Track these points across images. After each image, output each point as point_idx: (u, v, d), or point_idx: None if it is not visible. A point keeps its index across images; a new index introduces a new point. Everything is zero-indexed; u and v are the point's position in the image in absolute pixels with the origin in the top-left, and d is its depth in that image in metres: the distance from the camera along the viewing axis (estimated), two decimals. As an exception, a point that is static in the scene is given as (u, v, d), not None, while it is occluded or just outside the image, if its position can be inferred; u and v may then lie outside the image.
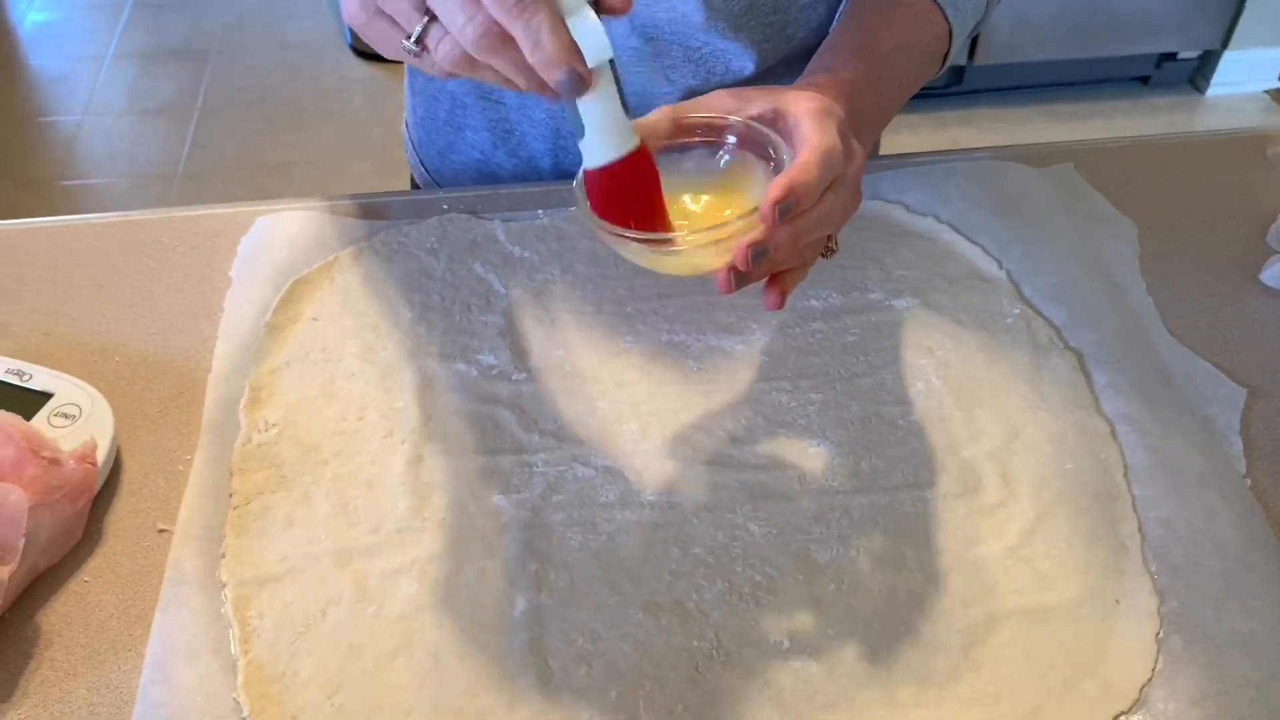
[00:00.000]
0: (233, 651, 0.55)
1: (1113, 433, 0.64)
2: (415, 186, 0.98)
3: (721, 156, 0.59)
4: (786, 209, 0.52)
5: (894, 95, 0.69)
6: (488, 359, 0.69)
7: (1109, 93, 2.57)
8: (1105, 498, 0.61)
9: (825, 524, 0.60)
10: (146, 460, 0.64)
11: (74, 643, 0.56)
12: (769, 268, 0.56)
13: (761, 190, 0.54)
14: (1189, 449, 0.63)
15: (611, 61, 0.50)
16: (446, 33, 0.48)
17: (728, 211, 0.58)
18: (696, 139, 0.59)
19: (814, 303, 0.73)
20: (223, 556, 0.59)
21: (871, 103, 0.67)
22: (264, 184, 2.37)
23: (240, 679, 0.54)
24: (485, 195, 0.80)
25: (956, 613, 0.57)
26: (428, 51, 0.50)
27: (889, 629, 0.56)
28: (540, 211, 0.79)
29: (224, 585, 0.58)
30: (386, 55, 0.54)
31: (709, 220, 0.56)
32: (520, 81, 0.49)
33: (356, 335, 0.70)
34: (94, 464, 0.60)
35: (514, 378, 0.68)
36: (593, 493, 0.62)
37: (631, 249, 0.56)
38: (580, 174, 0.55)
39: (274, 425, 0.65)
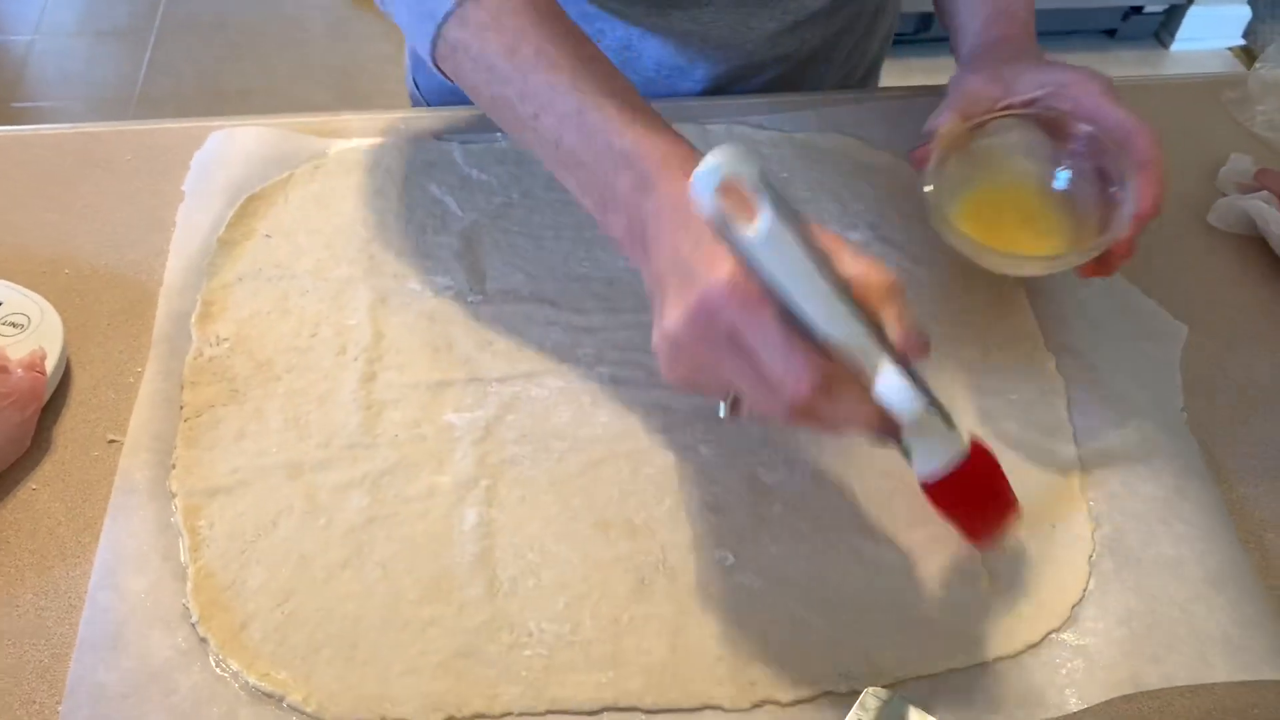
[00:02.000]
0: (182, 559, 0.56)
1: (1056, 365, 0.66)
2: None
3: (1061, 163, 0.65)
4: (1162, 202, 0.60)
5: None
6: (443, 280, 0.69)
7: (1075, 45, 2.57)
8: (1047, 428, 0.63)
9: (773, 447, 0.61)
10: (96, 372, 0.64)
11: (21, 549, 0.56)
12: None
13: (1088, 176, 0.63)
14: (1130, 382, 0.64)
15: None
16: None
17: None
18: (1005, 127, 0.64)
19: (770, 233, 0.73)
20: (173, 467, 0.59)
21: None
22: (222, 111, 2.32)
23: (190, 586, 0.55)
24: (443, 116, 0.80)
25: (899, 535, 0.58)
26: (742, 414, 0.51)
27: (833, 549, 0.57)
28: (499, 134, 0.78)
29: (174, 495, 0.58)
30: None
31: (1057, 226, 0.64)
32: (833, 434, 0.53)
33: (310, 253, 0.70)
34: (42, 373, 0.60)
35: (469, 299, 0.68)
36: (546, 413, 0.63)
37: (1017, 266, 0.63)
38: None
39: (225, 340, 0.65)
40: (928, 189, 0.62)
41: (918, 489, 0.59)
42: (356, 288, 0.68)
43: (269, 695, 0.51)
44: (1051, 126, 0.64)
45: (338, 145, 0.77)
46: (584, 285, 0.69)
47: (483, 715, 0.51)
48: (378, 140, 0.77)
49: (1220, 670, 0.52)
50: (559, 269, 0.70)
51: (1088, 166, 0.63)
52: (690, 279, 0.47)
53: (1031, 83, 0.64)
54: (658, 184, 0.52)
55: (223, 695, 0.51)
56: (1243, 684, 0.53)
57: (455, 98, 0.88)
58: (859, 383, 0.46)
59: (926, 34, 2.43)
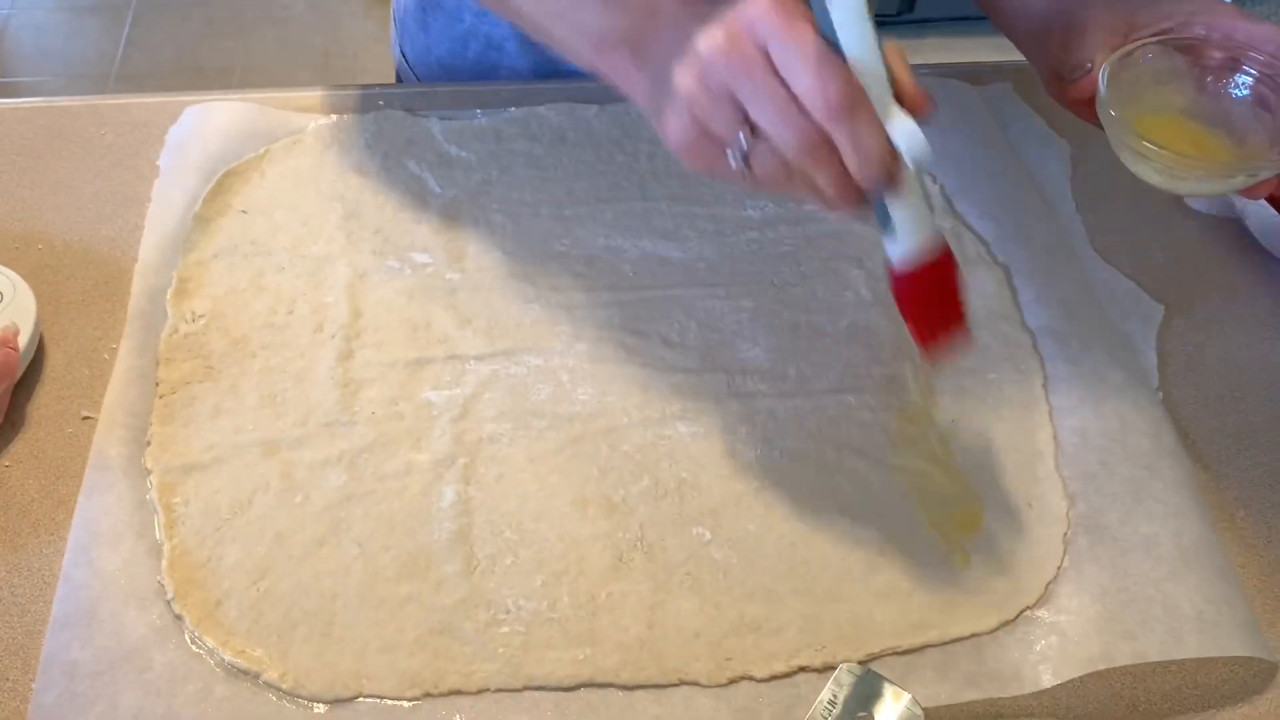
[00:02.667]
0: (157, 537, 0.55)
1: (1034, 344, 0.66)
2: None
3: (1218, 86, 0.64)
4: None
5: None
6: (421, 257, 0.69)
7: (1058, 27, 2.57)
8: (1024, 407, 0.63)
9: (751, 425, 0.61)
10: (70, 348, 0.63)
11: (-6, 525, 0.56)
12: None
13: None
14: (1106, 362, 0.65)
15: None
16: (769, 147, 0.49)
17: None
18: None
19: (750, 212, 0.73)
20: (148, 444, 0.59)
21: None
22: (203, 89, 2.30)
23: (165, 563, 0.54)
24: (422, 93, 0.79)
25: (875, 512, 0.58)
26: (751, 169, 0.50)
27: (808, 526, 0.57)
28: (478, 111, 0.78)
29: (149, 472, 0.58)
30: (709, 178, 0.56)
31: (1225, 149, 0.63)
32: (830, 191, 0.49)
33: (287, 229, 0.70)
34: (15, 348, 0.59)
35: (448, 276, 0.68)
36: (524, 391, 0.62)
37: (1220, 180, 0.61)
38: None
39: (201, 316, 0.65)
40: (1112, 113, 0.62)
41: (895, 468, 0.60)
42: (334, 265, 0.68)
43: (245, 672, 0.51)
44: (1193, 54, 0.64)
45: (315, 121, 0.76)
46: (563, 263, 0.69)
47: (459, 692, 0.51)
48: (356, 116, 0.77)
49: (1191, 646, 0.53)
50: (538, 247, 0.70)
51: (1245, 87, 0.63)
52: (719, 22, 0.48)
53: (1155, 14, 0.64)
54: (670, 3, 0.53)
55: (198, 672, 0.51)
56: (1213, 660, 0.53)
57: (441, 69, 0.88)
58: (877, 118, 0.47)
59: (910, 15, 2.43)
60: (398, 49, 0.94)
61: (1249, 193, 0.62)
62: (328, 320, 0.65)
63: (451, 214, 0.71)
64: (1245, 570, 0.57)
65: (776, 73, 0.47)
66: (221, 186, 0.71)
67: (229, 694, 0.50)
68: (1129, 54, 0.64)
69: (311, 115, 0.77)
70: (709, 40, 0.48)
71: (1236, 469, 0.62)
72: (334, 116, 0.77)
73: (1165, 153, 0.60)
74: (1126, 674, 0.53)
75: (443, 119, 0.77)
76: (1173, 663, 0.53)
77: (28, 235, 0.69)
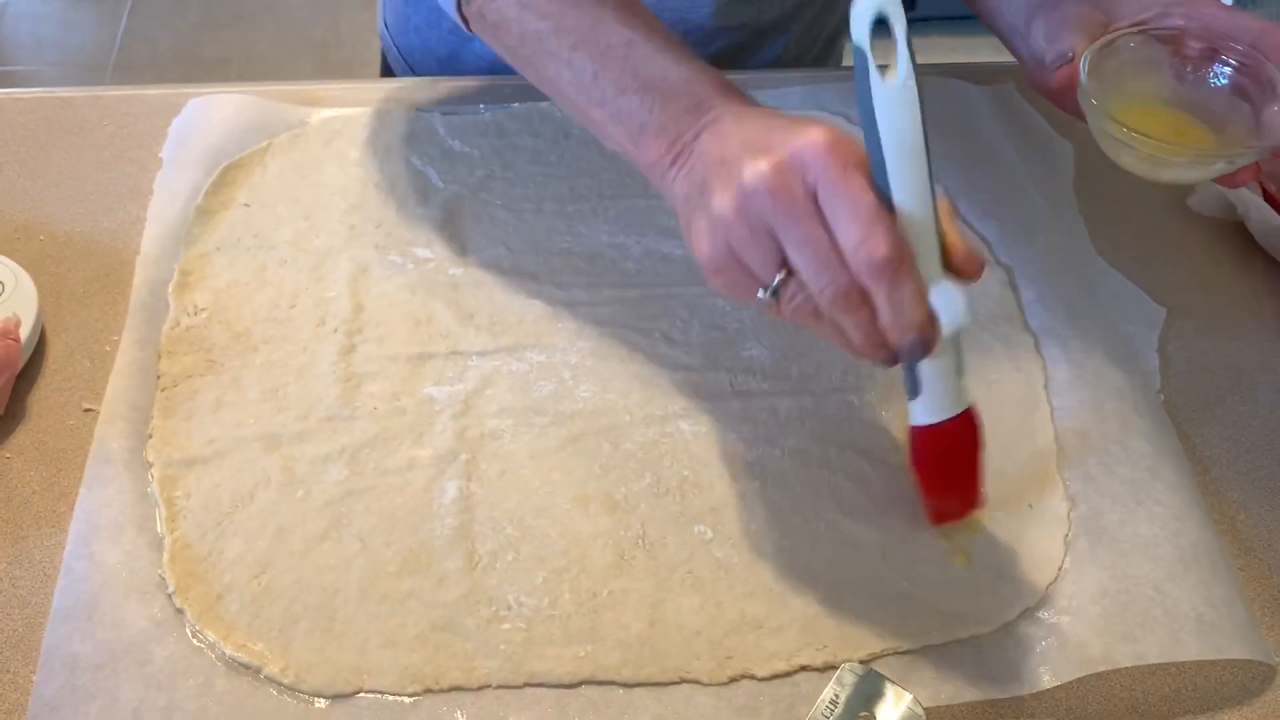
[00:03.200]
0: (159, 530, 0.55)
1: (1036, 346, 0.66)
2: None
3: (1196, 75, 0.65)
4: None
5: None
6: (424, 252, 0.69)
7: (1058, 27, 2.57)
8: (1025, 408, 0.63)
9: (753, 424, 0.61)
10: (72, 340, 0.63)
11: (-5, 517, 0.56)
12: None
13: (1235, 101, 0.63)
14: (1108, 364, 0.65)
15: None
16: (801, 288, 0.48)
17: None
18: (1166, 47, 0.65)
19: (753, 210, 0.73)
20: (149, 437, 0.59)
21: None
22: (201, 80, 2.29)
23: (166, 556, 0.54)
24: (425, 86, 0.79)
25: (877, 512, 0.58)
26: (778, 305, 0.49)
27: (810, 526, 0.57)
28: (482, 106, 0.78)
29: (150, 465, 0.58)
30: (731, 299, 0.54)
31: (1204, 137, 0.64)
32: (859, 343, 0.48)
33: (289, 223, 0.69)
34: (16, 340, 0.59)
35: (450, 272, 0.68)
36: (526, 387, 0.62)
37: (1200, 167, 0.62)
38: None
39: (203, 310, 0.65)
40: (1093, 102, 0.62)
41: (897, 469, 0.60)
42: (336, 259, 0.68)
43: (246, 666, 0.51)
44: (1172, 44, 0.65)
45: (318, 114, 0.76)
46: (565, 260, 0.69)
47: (460, 688, 0.51)
48: (358, 110, 0.77)
49: (1191, 649, 0.53)
50: (541, 243, 0.70)
51: (1223, 76, 0.64)
52: (768, 149, 0.47)
53: (1135, 5, 0.65)
54: (717, 104, 0.53)
55: (199, 666, 0.51)
56: (1213, 663, 0.53)
57: (420, 39, 0.87)
58: (922, 282, 0.46)
59: (911, 13, 2.43)
60: (381, 19, 0.94)
61: (1228, 180, 0.63)
62: (330, 314, 0.65)
63: (454, 209, 0.71)
64: (1245, 573, 0.57)
65: (822, 218, 0.45)
66: (224, 179, 0.71)
67: (230, 688, 0.50)
68: (1109, 44, 0.65)
69: (314, 108, 0.77)
70: (755, 170, 0.46)
71: (1237, 472, 0.62)
72: (337, 110, 0.76)
73: (1145, 140, 0.61)
74: (1126, 676, 0.53)
75: (445, 113, 0.77)
76: (1172, 665, 0.53)
77: (29, 226, 0.68)
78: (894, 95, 0.46)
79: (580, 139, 0.76)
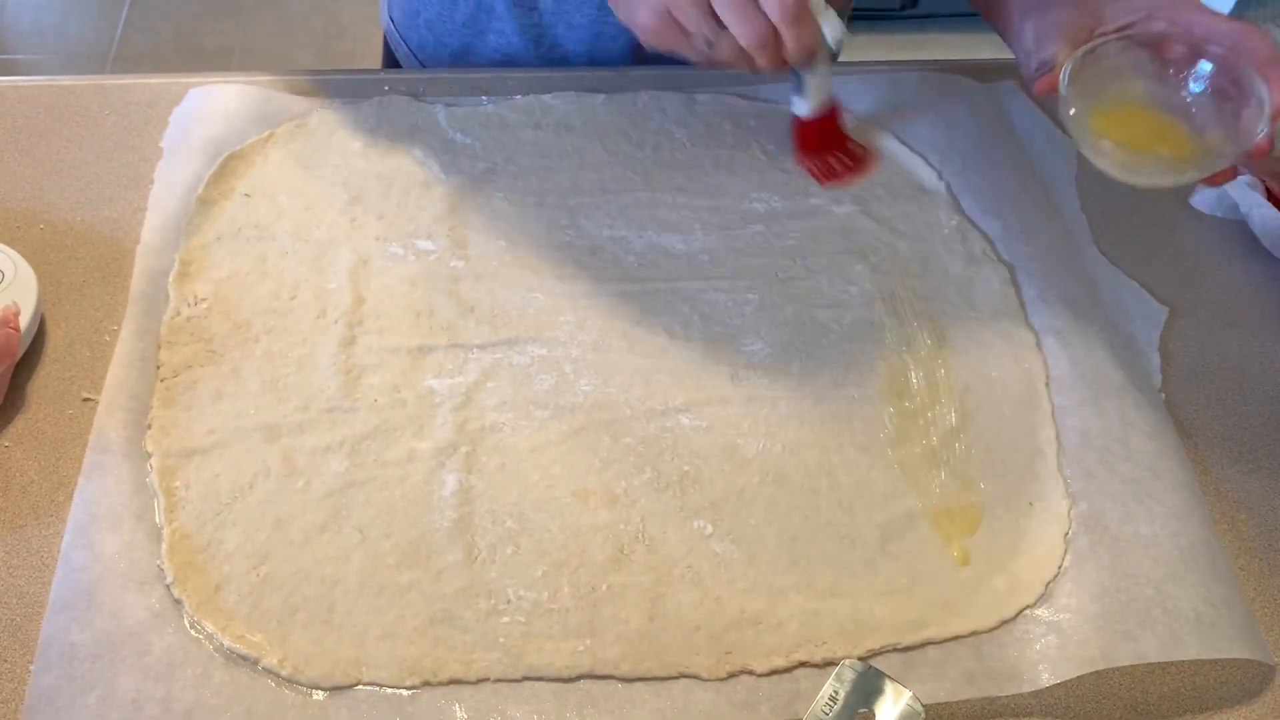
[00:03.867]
0: (157, 520, 0.55)
1: (1038, 344, 0.66)
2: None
3: (1178, 79, 0.66)
4: None
5: None
6: (425, 244, 0.68)
7: (1060, 25, 2.57)
8: (1027, 405, 0.63)
9: (754, 419, 0.61)
10: (71, 329, 0.63)
11: (-7, 506, 0.56)
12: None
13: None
14: (1109, 362, 0.65)
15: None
16: (728, 37, 0.60)
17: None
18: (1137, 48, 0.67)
19: (756, 205, 0.73)
20: (149, 427, 0.59)
21: None
22: (202, 70, 2.29)
23: (164, 547, 0.54)
24: (427, 79, 0.79)
25: (876, 508, 0.58)
26: (710, 54, 0.62)
27: (810, 521, 0.57)
28: (484, 98, 0.77)
29: (150, 456, 0.57)
30: (666, 52, 0.64)
31: (1184, 140, 0.65)
32: (765, 67, 0.61)
33: (290, 213, 0.69)
34: (16, 329, 0.59)
35: (452, 264, 0.68)
36: (527, 380, 0.62)
37: (1174, 173, 0.63)
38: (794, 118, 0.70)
39: (203, 300, 0.64)
40: (1072, 111, 0.64)
41: (897, 464, 0.60)
42: (337, 250, 0.67)
43: (244, 658, 0.51)
44: (1154, 48, 0.66)
45: (320, 105, 0.76)
46: (566, 253, 0.69)
47: (459, 681, 0.51)
48: (361, 101, 0.76)
49: (1191, 648, 0.53)
50: (542, 236, 0.70)
51: (1202, 80, 0.65)
52: None
53: (1119, 9, 0.67)
54: None
55: (197, 657, 0.51)
56: (1212, 662, 0.53)
57: (429, 31, 0.87)
58: (815, 20, 0.61)
59: (914, 11, 2.42)
60: (386, 13, 0.93)
61: (1207, 182, 0.65)
62: (330, 306, 0.65)
63: (456, 201, 0.71)
64: (1245, 572, 0.57)
65: None
66: (225, 169, 0.71)
67: (228, 679, 0.50)
68: (1092, 50, 0.65)
69: (316, 99, 0.76)
70: None
71: (1238, 471, 0.62)
72: (339, 101, 0.76)
73: (1118, 148, 0.62)
74: (1125, 674, 0.53)
75: (448, 105, 0.77)
76: (1171, 664, 0.53)
77: (30, 215, 0.68)
78: None
79: (583, 132, 0.76)
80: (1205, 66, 0.65)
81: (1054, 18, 0.69)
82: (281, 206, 0.70)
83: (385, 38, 0.94)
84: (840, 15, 0.63)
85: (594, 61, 0.85)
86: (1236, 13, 2.48)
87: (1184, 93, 0.66)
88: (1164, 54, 0.66)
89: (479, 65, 0.86)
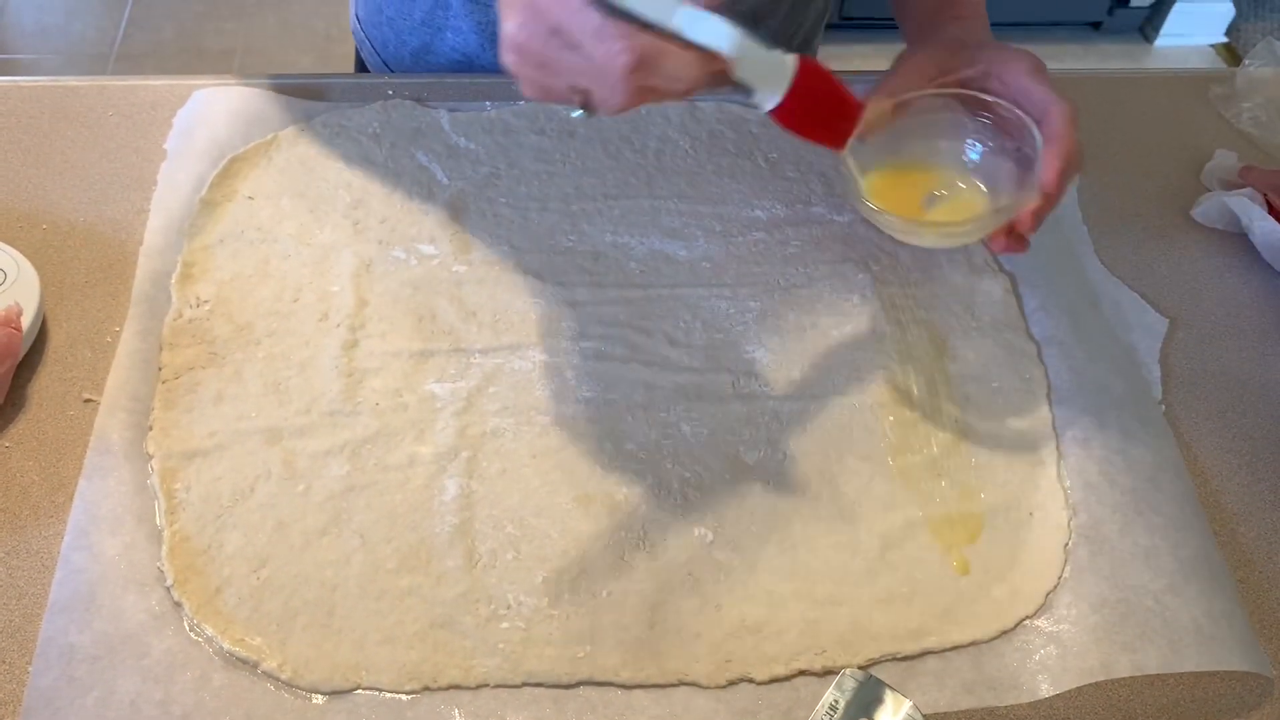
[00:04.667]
0: (158, 523, 0.55)
1: (1039, 354, 0.66)
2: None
3: (978, 142, 0.65)
4: (1068, 178, 0.59)
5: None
6: (428, 248, 0.68)
7: (1060, 36, 2.58)
8: (1027, 415, 0.63)
9: (755, 427, 0.61)
10: (73, 330, 0.63)
11: (-6, 507, 0.56)
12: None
13: (997, 152, 0.63)
14: (1110, 373, 0.65)
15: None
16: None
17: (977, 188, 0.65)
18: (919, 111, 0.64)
19: (758, 213, 0.73)
20: (150, 429, 0.59)
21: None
22: (203, 71, 2.29)
23: (165, 549, 0.54)
24: (430, 84, 0.79)
25: (877, 517, 0.58)
26: (596, 110, 0.52)
27: (810, 529, 0.57)
28: (488, 103, 0.77)
29: (151, 457, 0.57)
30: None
31: (969, 203, 0.64)
32: (677, 99, 0.52)
33: (293, 216, 0.69)
34: (18, 329, 0.59)
35: (454, 269, 0.68)
36: (529, 386, 0.62)
37: (913, 232, 0.62)
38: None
39: (206, 302, 0.64)
40: (847, 162, 0.62)
41: (898, 473, 0.60)
42: (340, 253, 0.67)
43: (243, 661, 0.51)
44: (979, 107, 0.64)
45: (324, 109, 0.76)
46: (569, 259, 0.69)
47: (459, 686, 0.51)
48: (364, 105, 0.76)
49: (1190, 660, 0.53)
50: (544, 241, 0.70)
51: (1009, 148, 0.63)
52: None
53: (962, 60, 0.65)
54: None
55: (196, 660, 0.51)
56: (1211, 674, 0.53)
57: (393, 32, 0.86)
58: (676, 42, 0.48)
59: (914, 19, 2.43)
60: (353, 12, 0.93)
61: (988, 244, 0.64)
62: (333, 309, 0.65)
63: (458, 206, 0.71)
64: (1244, 584, 0.57)
65: (577, 45, 0.48)
66: (228, 172, 0.71)
67: (227, 682, 0.50)
68: (907, 103, 0.64)
69: (320, 103, 0.76)
70: (514, 21, 0.50)
71: (1237, 483, 0.62)
72: (343, 104, 0.76)
73: (870, 210, 0.61)
74: (1124, 686, 0.53)
75: (451, 110, 0.77)
76: (1170, 675, 0.53)
77: (32, 215, 0.68)
78: None
79: (585, 138, 0.76)
80: (1008, 139, 0.63)
81: (902, 62, 0.67)
82: (284, 209, 0.70)
83: (354, 37, 0.94)
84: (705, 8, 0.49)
85: None
86: (1236, 25, 2.49)
87: (976, 155, 0.65)
88: (985, 112, 0.64)
89: (439, 65, 0.85)
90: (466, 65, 0.85)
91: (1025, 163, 0.61)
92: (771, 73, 0.52)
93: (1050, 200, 0.59)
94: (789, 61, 0.52)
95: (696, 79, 0.49)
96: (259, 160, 0.72)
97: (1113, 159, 0.79)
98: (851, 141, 0.59)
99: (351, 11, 0.94)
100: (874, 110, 0.62)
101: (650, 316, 0.66)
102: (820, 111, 0.55)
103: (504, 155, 0.74)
